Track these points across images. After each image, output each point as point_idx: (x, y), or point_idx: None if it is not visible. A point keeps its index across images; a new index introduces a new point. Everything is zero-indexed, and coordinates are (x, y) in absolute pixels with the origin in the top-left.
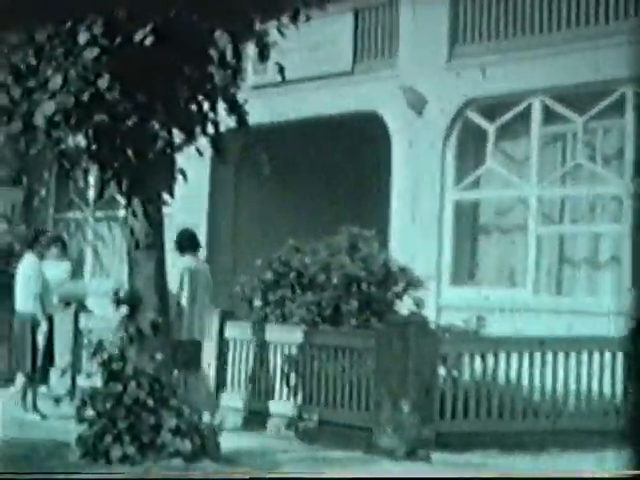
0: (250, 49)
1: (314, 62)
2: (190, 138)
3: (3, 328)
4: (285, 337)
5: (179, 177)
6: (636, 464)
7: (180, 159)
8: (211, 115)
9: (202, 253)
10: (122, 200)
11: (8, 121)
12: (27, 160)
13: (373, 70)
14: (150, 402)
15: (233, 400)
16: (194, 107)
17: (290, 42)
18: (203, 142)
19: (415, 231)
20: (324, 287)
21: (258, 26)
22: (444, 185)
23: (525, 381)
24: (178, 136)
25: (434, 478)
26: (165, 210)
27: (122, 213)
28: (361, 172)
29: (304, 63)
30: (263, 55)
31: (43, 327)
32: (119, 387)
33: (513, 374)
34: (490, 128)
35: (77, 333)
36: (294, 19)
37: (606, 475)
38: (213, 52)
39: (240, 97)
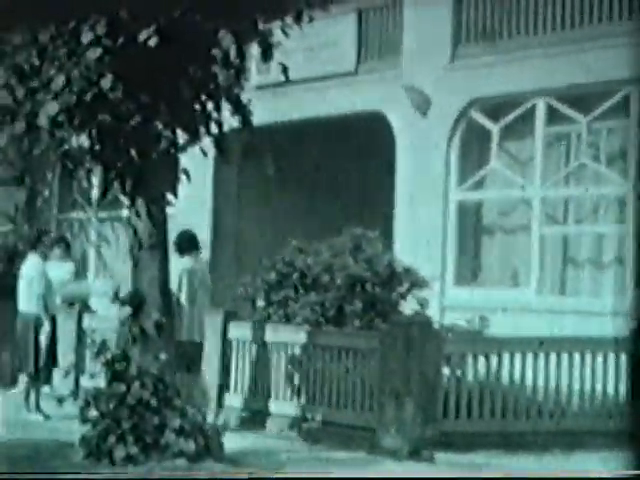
0: (254, 49)
1: (318, 62)
2: (194, 138)
3: (7, 329)
4: (288, 337)
5: (183, 177)
6: (637, 464)
7: (183, 159)
8: (215, 115)
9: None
10: (125, 200)
11: (12, 121)
12: (30, 160)
13: (377, 70)
14: (154, 402)
15: (236, 400)
16: (198, 107)
17: (294, 42)
18: (206, 142)
19: (419, 231)
20: (328, 288)
21: (262, 26)
22: (448, 185)
23: (528, 381)
24: (182, 136)
25: (438, 478)
26: (168, 210)
27: (125, 213)
28: (365, 172)
29: (308, 63)
30: (267, 55)
31: (46, 327)
32: (123, 387)
33: (517, 374)
34: (494, 128)
35: (80, 333)
36: (298, 19)
37: (607, 475)
38: (217, 52)
39: (244, 97)
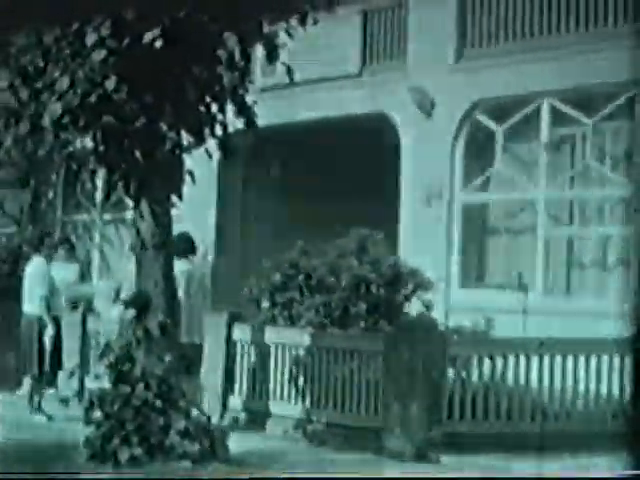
0: (259, 51)
1: (322, 64)
2: (198, 140)
3: (11, 330)
4: (293, 339)
5: (187, 179)
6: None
7: (188, 161)
8: (219, 117)
9: (205, 257)
10: (130, 202)
11: (16, 123)
12: (35, 162)
13: (381, 72)
14: (158, 403)
15: (240, 401)
16: (202, 109)
17: (298, 44)
18: (211, 144)
19: (424, 233)
20: (333, 289)
21: (267, 28)
22: (453, 187)
23: (533, 383)
24: (186, 138)
25: (443, 479)
26: (173, 212)
27: (130, 215)
28: (370, 174)
29: (312, 65)
30: (272, 57)
31: (50, 329)
32: (127, 388)
33: (521, 376)
34: (498, 130)
35: (85, 335)
36: (302, 21)
37: (607, 475)
38: (222, 54)
39: (249, 99)
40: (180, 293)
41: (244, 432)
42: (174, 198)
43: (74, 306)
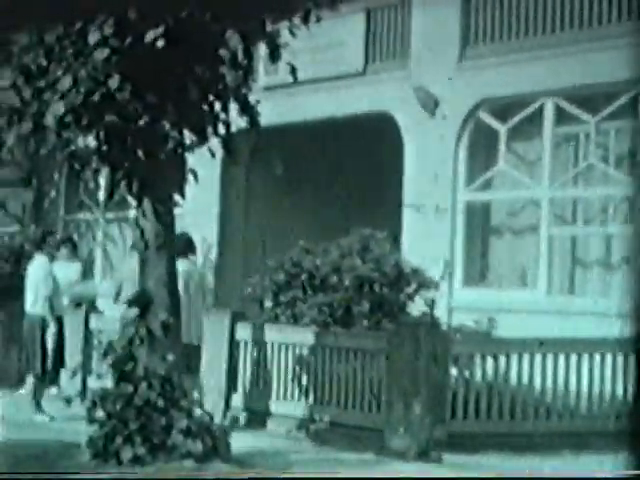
0: (261, 50)
1: (325, 63)
2: (201, 139)
3: (14, 330)
4: (296, 338)
5: (190, 178)
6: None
7: (191, 160)
8: (222, 116)
9: (207, 256)
10: (133, 201)
11: (18, 122)
12: (37, 161)
13: (385, 71)
14: (161, 403)
15: (242, 400)
16: (205, 108)
17: (301, 43)
18: (214, 143)
19: (427, 232)
20: (336, 288)
21: (269, 27)
22: (456, 186)
23: (537, 382)
24: (189, 137)
25: (445, 479)
26: (176, 211)
27: (133, 214)
28: (373, 173)
29: (315, 64)
30: (275, 56)
31: (52, 329)
32: (130, 388)
33: (525, 375)
34: (502, 129)
35: (87, 334)
36: (305, 20)
37: (608, 475)
38: (224, 53)
39: (251, 98)
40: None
41: (246, 431)
42: (177, 197)
43: (77, 305)
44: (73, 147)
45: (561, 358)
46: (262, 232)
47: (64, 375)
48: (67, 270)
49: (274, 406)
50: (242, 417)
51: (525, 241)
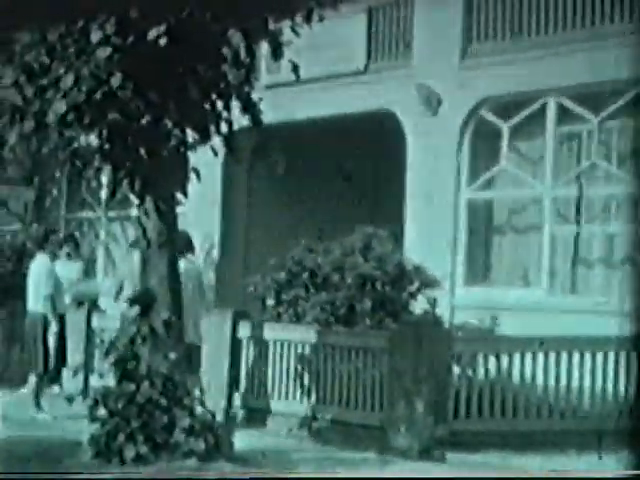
0: (263, 48)
1: (328, 61)
2: (204, 137)
3: (16, 328)
4: (298, 337)
5: (192, 176)
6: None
7: (193, 158)
8: (225, 114)
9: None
10: (135, 199)
11: (21, 120)
12: (39, 159)
13: (387, 69)
14: (163, 401)
15: (243, 399)
16: (207, 106)
17: (304, 41)
18: (217, 141)
19: (429, 230)
20: (338, 287)
21: (272, 25)
22: (458, 184)
23: (539, 380)
24: (191, 135)
25: (444, 479)
26: (178, 209)
27: (135, 212)
28: (375, 171)
29: (318, 62)
30: (277, 54)
31: (54, 327)
32: (132, 386)
33: (527, 373)
34: (504, 127)
35: (89, 332)
36: (308, 18)
37: (608, 475)
38: (227, 51)
39: (254, 96)
40: None
41: (247, 429)
42: (179, 196)
43: (79, 304)
44: (75, 145)
45: (563, 356)
46: (264, 230)
47: (66, 374)
48: (69, 269)
49: (276, 405)
50: (240, 415)
51: (527, 239)
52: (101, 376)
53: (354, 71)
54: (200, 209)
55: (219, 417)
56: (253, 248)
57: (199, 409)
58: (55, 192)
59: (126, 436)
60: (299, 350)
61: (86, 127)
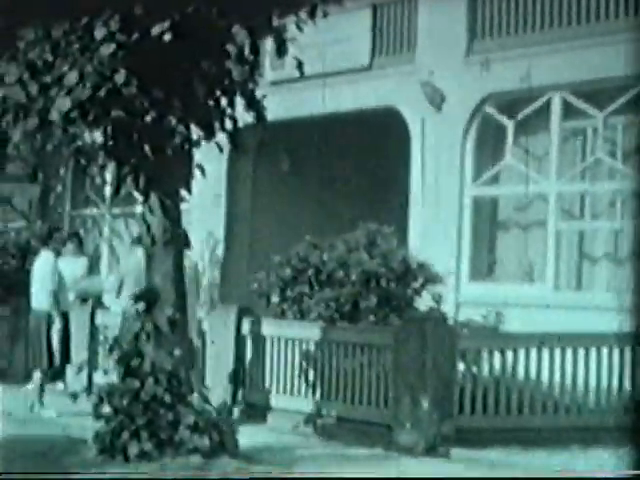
0: (268, 44)
1: (332, 58)
2: (208, 134)
3: (20, 325)
4: (303, 333)
5: (197, 173)
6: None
7: (197, 155)
8: (229, 111)
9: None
10: (139, 196)
11: (24, 117)
12: (43, 156)
13: (391, 65)
14: (168, 398)
15: (250, 396)
16: (212, 103)
17: (308, 38)
18: (221, 137)
19: (434, 227)
20: (342, 283)
21: (276, 22)
22: (463, 181)
23: (544, 377)
24: (196, 132)
25: (450, 478)
26: (182, 206)
27: (139, 209)
28: (379, 168)
29: (322, 59)
30: (281, 51)
31: (58, 324)
32: (136, 383)
33: (532, 370)
34: (509, 124)
35: (93, 329)
36: (312, 14)
37: (609, 475)
38: (231, 48)
39: (258, 93)
40: None
41: (253, 426)
42: (183, 192)
43: (83, 301)
44: (79, 142)
45: (568, 353)
46: (268, 227)
47: (70, 371)
48: (73, 266)
49: (281, 401)
50: (236, 410)
51: (532, 236)
52: (105, 373)
53: (358, 67)
54: (204, 206)
55: (223, 414)
56: (257, 245)
57: (203, 406)
58: (59, 189)
59: (131, 433)
60: (304, 347)
61: (90, 124)
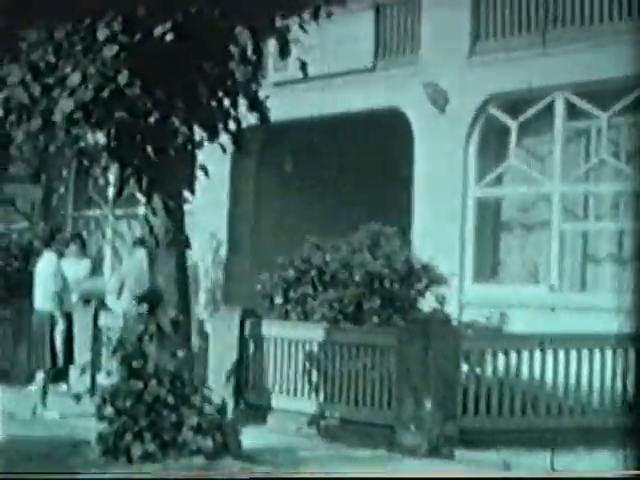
0: (271, 45)
1: (335, 59)
2: (211, 135)
3: (23, 327)
4: (307, 334)
5: (200, 174)
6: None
7: (201, 156)
8: (232, 112)
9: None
10: (142, 197)
11: (27, 119)
12: (46, 158)
13: (395, 66)
14: (171, 400)
15: (253, 397)
16: (215, 104)
17: (311, 39)
18: (224, 138)
19: (438, 228)
20: (346, 284)
21: (279, 23)
22: (467, 182)
23: (548, 378)
24: (199, 133)
25: (453, 478)
26: (186, 207)
27: (142, 210)
28: (383, 169)
29: (325, 60)
30: (284, 52)
31: (61, 325)
32: (140, 384)
33: (536, 371)
34: (512, 124)
35: (96, 331)
36: (315, 16)
37: (609, 475)
38: (234, 49)
39: (261, 94)
40: None
41: (256, 427)
42: (186, 193)
43: (86, 302)
44: (82, 144)
45: (573, 354)
46: (272, 229)
47: (73, 372)
48: (76, 267)
49: (285, 403)
50: (239, 412)
51: (536, 237)
52: (108, 374)
53: (362, 69)
54: (208, 207)
55: (227, 415)
56: (261, 246)
57: (207, 407)
58: (62, 190)
59: (134, 434)
60: (307, 348)
61: (93, 125)
